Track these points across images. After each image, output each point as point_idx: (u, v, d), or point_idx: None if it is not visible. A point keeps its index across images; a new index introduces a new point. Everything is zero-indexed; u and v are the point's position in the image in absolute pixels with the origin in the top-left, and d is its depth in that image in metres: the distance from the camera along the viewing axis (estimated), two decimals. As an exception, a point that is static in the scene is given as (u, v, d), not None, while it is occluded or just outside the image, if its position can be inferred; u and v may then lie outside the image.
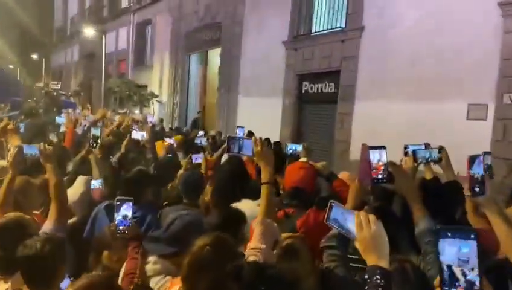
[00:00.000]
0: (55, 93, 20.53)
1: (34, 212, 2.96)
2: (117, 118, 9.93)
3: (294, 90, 11.04)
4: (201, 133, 9.49)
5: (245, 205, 3.21)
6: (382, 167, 1.96)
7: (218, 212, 2.47)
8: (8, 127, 3.95)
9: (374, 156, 1.96)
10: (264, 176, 2.08)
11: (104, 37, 17.51)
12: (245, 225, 2.35)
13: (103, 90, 17.04)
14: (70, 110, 12.40)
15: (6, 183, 2.62)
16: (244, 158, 4.42)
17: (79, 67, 29.28)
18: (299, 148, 4.85)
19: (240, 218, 2.35)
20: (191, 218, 2.30)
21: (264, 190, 2.06)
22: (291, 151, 5.02)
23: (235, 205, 3.24)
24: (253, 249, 1.79)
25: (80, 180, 3.47)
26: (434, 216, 2.01)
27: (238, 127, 4.79)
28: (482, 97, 7.02)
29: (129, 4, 21.05)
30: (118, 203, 2.24)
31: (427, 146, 3.07)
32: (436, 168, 3.11)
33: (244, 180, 3.55)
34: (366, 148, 2.01)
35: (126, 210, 2.23)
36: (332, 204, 1.50)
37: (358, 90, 9.27)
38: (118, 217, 2.23)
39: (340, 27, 9.70)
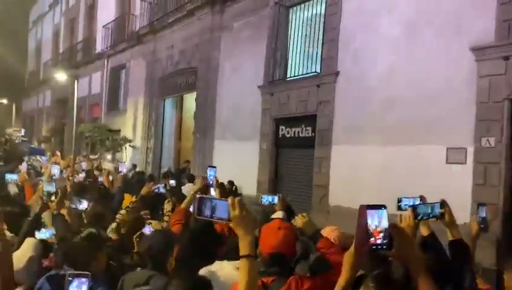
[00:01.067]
0: (17, 141, 19.85)
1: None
2: (84, 164, 9.49)
3: (271, 134, 10.86)
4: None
5: (221, 269, 2.85)
6: (382, 233, 1.70)
7: (180, 283, 2.09)
8: None
9: (373, 219, 1.69)
10: (244, 248, 1.71)
11: (76, 81, 17.13)
12: None
13: (74, 135, 16.51)
14: (38, 157, 11.87)
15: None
16: None
17: (51, 113, 28.63)
18: (275, 199, 4.42)
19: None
20: None
21: (244, 264, 1.69)
22: (266, 203, 4.57)
23: (207, 269, 2.88)
24: None
25: (29, 242, 3.03)
26: (441, 287, 1.72)
27: (209, 167, 4.24)
28: (461, 141, 6.97)
29: (103, 49, 20.93)
30: (70, 279, 1.85)
31: (423, 199, 2.81)
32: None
33: (217, 241, 3.20)
34: (364, 210, 1.74)
35: (77, 288, 1.84)
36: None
37: (335, 134, 9.15)
38: None
39: (315, 72, 9.70)
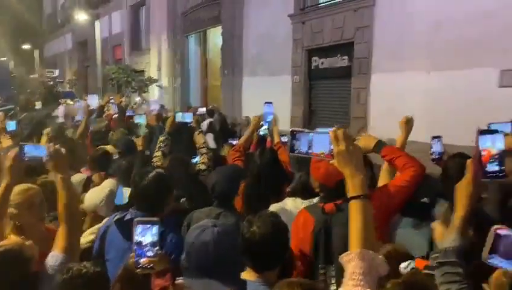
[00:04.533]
0: (51, 82, 19.76)
1: (46, 225, 2.44)
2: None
3: (303, 66, 10.40)
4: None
5: (292, 206, 2.68)
6: (496, 157, 1.49)
7: (259, 224, 1.89)
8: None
9: (485, 144, 1.51)
10: (355, 188, 1.40)
11: (97, 22, 16.66)
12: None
13: (100, 78, 16.35)
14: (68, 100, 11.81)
15: (1, 194, 2.05)
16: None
17: (73, 56, 28.43)
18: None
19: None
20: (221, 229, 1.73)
21: (357, 207, 1.39)
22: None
23: (277, 205, 2.72)
24: None
25: (109, 180, 2.94)
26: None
27: (266, 103, 3.93)
28: (517, 62, 6.44)
29: (121, -15, 20.17)
30: (139, 225, 1.68)
31: None
32: None
33: (283, 178, 3.01)
34: (477, 135, 1.52)
35: (149, 236, 1.68)
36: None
37: (375, 62, 8.66)
38: (136, 245, 1.68)
39: (352, -5, 9.02)
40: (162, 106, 15.50)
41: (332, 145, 1.44)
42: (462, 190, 1.56)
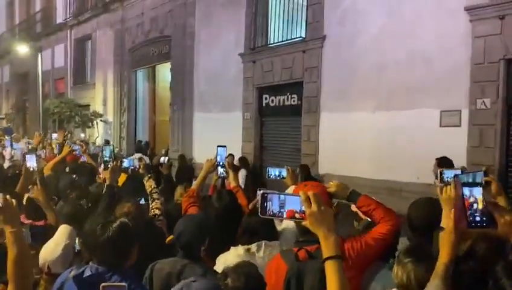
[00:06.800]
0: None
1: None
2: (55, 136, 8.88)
3: (254, 103, 10.54)
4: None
5: (231, 256, 2.62)
6: (475, 207, 1.52)
7: (237, 277, 1.84)
8: None
9: (468, 195, 1.54)
10: (329, 248, 1.47)
11: (40, 54, 16.02)
12: None
13: (41, 112, 15.55)
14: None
15: None
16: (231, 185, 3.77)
17: (11, 89, 27.02)
18: (284, 172, 4.07)
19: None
20: (202, 287, 1.65)
21: (332, 267, 1.44)
22: (273, 176, 4.21)
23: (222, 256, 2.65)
24: None
25: (63, 230, 2.70)
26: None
27: (218, 146, 3.88)
28: (455, 103, 6.90)
29: (65, 19, 19.65)
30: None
31: (464, 170, 2.72)
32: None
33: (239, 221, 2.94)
34: (459, 184, 1.55)
35: None
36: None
37: (323, 101, 8.94)
38: None
39: (300, 37, 9.36)
40: (107, 141, 15.02)
41: (303, 207, 1.49)
42: (445, 238, 1.60)
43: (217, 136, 10.44)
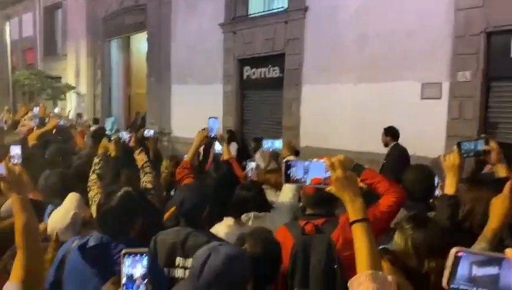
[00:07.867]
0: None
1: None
2: (36, 109, 8.60)
3: (235, 76, 10.40)
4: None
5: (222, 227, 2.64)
6: None
7: (253, 242, 1.85)
8: None
9: None
10: (355, 212, 1.46)
11: (8, 23, 15.24)
12: None
13: (10, 84, 14.92)
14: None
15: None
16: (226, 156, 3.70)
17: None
18: (278, 143, 4.06)
19: None
20: (230, 252, 1.64)
21: (360, 230, 1.43)
22: (267, 148, 4.18)
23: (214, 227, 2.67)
24: None
25: (71, 198, 2.62)
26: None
27: (210, 118, 3.70)
28: (436, 76, 6.99)
29: (33, -14, 18.74)
30: (128, 257, 1.51)
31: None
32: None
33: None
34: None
35: (139, 268, 1.51)
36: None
37: (305, 73, 8.90)
38: (127, 279, 1.51)
39: (282, 7, 9.21)
40: (79, 114, 14.52)
41: (327, 173, 1.51)
42: (498, 205, 1.66)
43: (197, 109, 10.32)
